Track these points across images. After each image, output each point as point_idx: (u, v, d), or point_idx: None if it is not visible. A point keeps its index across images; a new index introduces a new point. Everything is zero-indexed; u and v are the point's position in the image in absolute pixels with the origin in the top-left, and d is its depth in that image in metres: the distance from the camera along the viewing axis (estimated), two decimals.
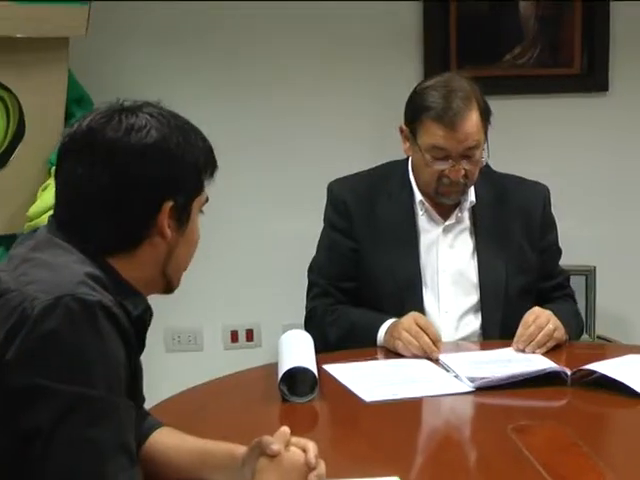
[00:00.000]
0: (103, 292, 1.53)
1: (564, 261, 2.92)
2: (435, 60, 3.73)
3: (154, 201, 1.61)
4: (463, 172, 2.62)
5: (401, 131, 2.72)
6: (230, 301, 3.89)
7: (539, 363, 2.39)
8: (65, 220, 1.64)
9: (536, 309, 2.56)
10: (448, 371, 2.36)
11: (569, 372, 2.26)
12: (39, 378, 1.44)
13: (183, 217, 1.66)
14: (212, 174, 1.70)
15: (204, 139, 1.69)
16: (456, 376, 2.31)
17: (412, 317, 2.52)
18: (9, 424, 1.47)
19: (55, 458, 1.44)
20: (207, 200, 1.72)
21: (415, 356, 2.46)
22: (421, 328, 2.48)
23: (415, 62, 3.76)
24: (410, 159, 2.76)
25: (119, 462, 1.46)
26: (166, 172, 1.61)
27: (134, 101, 1.67)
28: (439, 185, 2.65)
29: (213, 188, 1.72)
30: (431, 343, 2.46)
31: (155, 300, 1.69)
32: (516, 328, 2.54)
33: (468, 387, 2.25)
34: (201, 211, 1.72)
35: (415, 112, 2.63)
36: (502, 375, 2.26)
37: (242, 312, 3.90)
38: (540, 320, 2.51)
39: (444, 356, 2.45)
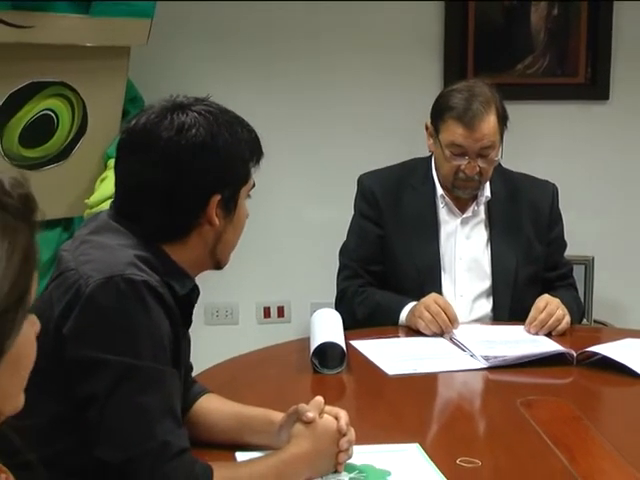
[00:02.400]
0: (150, 273, 1.51)
1: (566, 251, 2.88)
2: (454, 68, 3.71)
3: (203, 196, 1.58)
4: (478, 169, 2.60)
5: (426, 128, 2.70)
6: (264, 280, 3.87)
7: (546, 344, 2.36)
8: (122, 208, 1.62)
9: (546, 296, 2.54)
10: (464, 351, 2.33)
11: (575, 353, 2.24)
12: (92, 351, 1.44)
13: (231, 206, 1.62)
14: (258, 161, 1.65)
15: (250, 130, 1.63)
16: (472, 355, 2.29)
17: (432, 297, 2.50)
18: (66, 392, 1.47)
19: (109, 422, 1.44)
20: (254, 185, 1.67)
21: (434, 335, 2.45)
22: (440, 307, 2.47)
23: (436, 68, 3.74)
24: (433, 155, 2.74)
25: (166, 424, 1.46)
26: (215, 169, 1.57)
27: (185, 97, 1.62)
28: (455, 179, 2.64)
29: (256, 176, 1.68)
30: (448, 321, 2.44)
31: (197, 277, 1.67)
32: (524, 312, 2.52)
33: (482, 364, 2.23)
34: (248, 196, 1.67)
35: (439, 111, 2.62)
36: (515, 355, 2.24)
37: (274, 290, 3.88)
38: (551, 307, 2.49)
39: (458, 333, 2.43)
